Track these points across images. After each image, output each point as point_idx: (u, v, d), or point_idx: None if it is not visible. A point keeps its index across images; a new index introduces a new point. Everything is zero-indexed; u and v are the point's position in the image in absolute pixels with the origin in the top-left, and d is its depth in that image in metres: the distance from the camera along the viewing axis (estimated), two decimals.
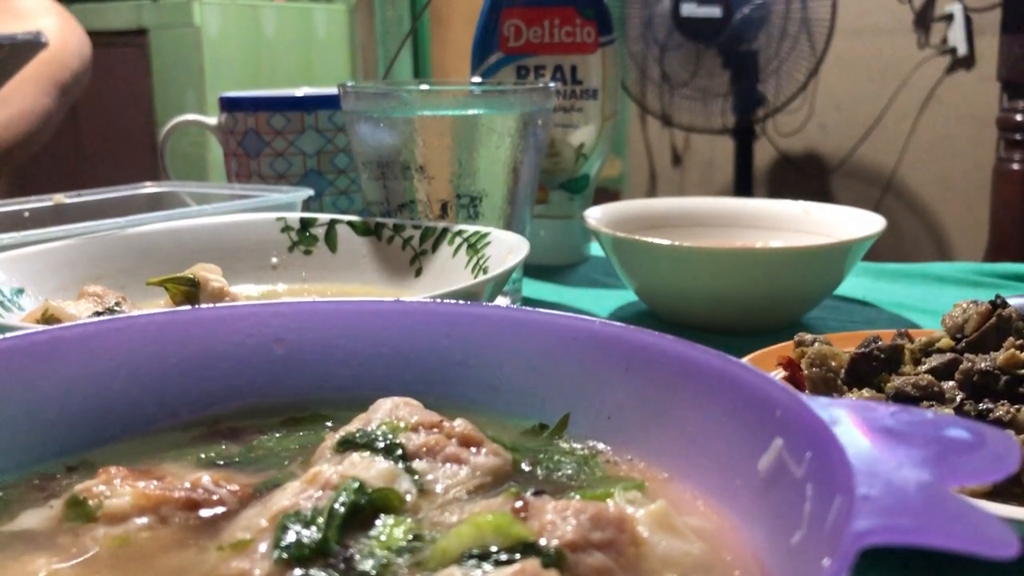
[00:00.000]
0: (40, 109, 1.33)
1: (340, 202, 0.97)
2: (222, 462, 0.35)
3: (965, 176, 2.85)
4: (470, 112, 0.74)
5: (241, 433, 0.38)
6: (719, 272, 0.73)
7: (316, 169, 0.95)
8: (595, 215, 0.86)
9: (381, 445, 0.32)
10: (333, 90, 0.89)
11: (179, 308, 0.54)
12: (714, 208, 0.93)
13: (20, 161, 1.36)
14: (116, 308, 0.60)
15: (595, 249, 1.03)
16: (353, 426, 0.34)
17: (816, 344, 0.56)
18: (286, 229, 0.76)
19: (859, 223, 0.81)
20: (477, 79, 0.95)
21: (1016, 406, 0.48)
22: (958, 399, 0.50)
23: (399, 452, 0.32)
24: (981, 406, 0.48)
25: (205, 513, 0.31)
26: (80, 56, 1.39)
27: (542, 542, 0.27)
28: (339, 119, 0.96)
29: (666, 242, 0.74)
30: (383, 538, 0.28)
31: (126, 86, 2.74)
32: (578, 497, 0.30)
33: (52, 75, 1.32)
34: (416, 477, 0.32)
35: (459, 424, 0.34)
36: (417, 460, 0.32)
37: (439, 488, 0.32)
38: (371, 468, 0.31)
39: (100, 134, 2.80)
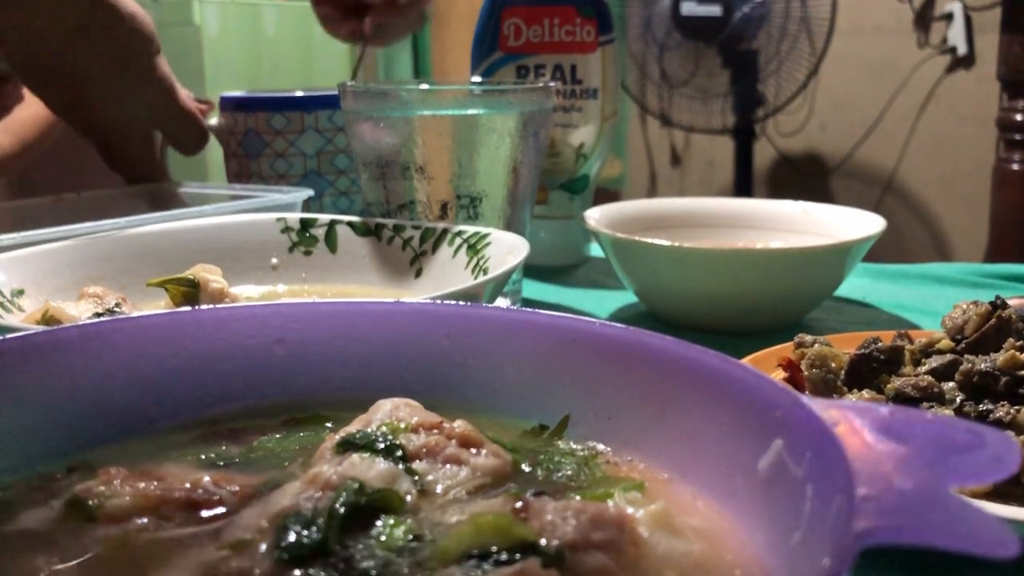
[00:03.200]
0: (47, 112, 1.34)
1: (340, 203, 0.97)
2: (222, 463, 0.35)
3: (965, 176, 2.85)
4: (470, 112, 0.74)
5: (241, 434, 0.38)
6: (719, 272, 0.73)
7: (316, 170, 0.95)
8: (595, 216, 0.86)
9: (381, 446, 0.32)
10: (333, 90, 0.89)
11: (179, 309, 0.54)
12: (714, 208, 0.93)
13: (33, 158, 1.38)
14: (116, 309, 0.60)
15: (595, 250, 1.03)
16: (353, 427, 0.34)
17: (816, 345, 0.56)
18: (286, 230, 0.76)
19: (859, 224, 0.81)
20: (477, 79, 0.95)
21: (1016, 407, 0.48)
22: (958, 400, 0.50)
23: (399, 453, 0.32)
24: (981, 407, 0.48)
25: (205, 513, 0.31)
26: None
27: (542, 542, 0.27)
28: (339, 119, 0.96)
29: (666, 243, 0.74)
30: (383, 538, 0.28)
31: None
32: (578, 497, 0.30)
33: None
34: (416, 478, 0.32)
35: (459, 425, 0.34)
36: (417, 461, 0.32)
37: (439, 489, 0.32)
38: (371, 469, 0.31)
39: None
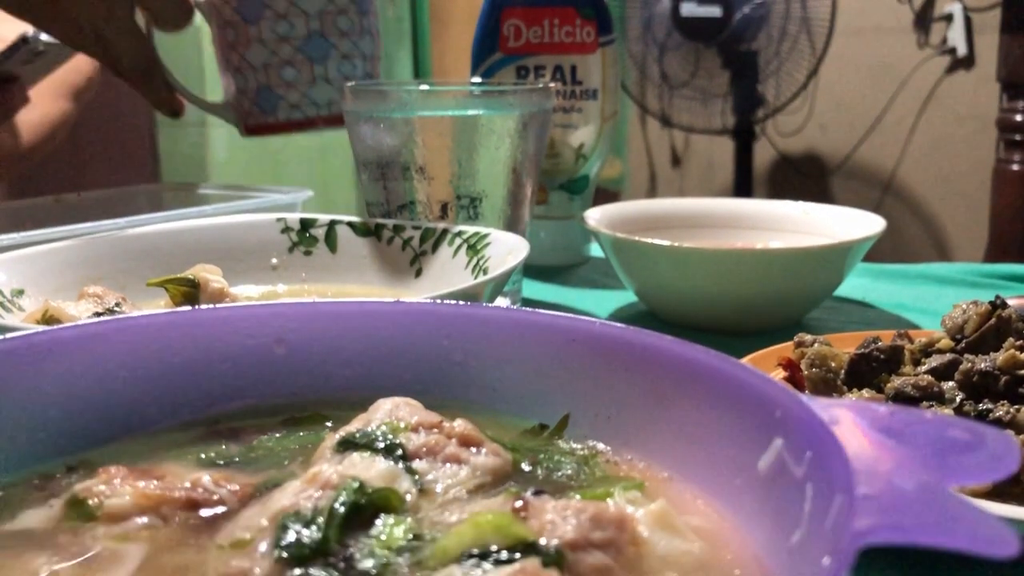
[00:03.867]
0: (58, 113, 1.35)
1: (344, 67, 0.94)
2: (222, 462, 0.35)
3: (965, 176, 2.84)
4: (470, 112, 0.74)
5: (241, 433, 0.38)
6: (719, 272, 0.73)
7: (319, 31, 0.92)
8: (595, 216, 0.86)
9: (381, 445, 0.32)
10: None
11: (179, 309, 0.54)
12: (714, 208, 0.93)
13: (35, 162, 1.38)
14: (116, 309, 0.60)
15: (595, 250, 1.03)
16: (353, 426, 0.34)
17: (816, 345, 0.56)
18: (286, 230, 0.76)
19: (859, 224, 0.81)
20: (477, 79, 0.95)
21: (1016, 406, 0.48)
22: (958, 399, 0.50)
23: (399, 452, 0.32)
24: (981, 406, 0.48)
25: (205, 513, 0.31)
26: (92, 62, 1.41)
27: (542, 542, 0.27)
28: None
29: (666, 243, 0.74)
30: (383, 538, 0.28)
31: (126, 86, 2.73)
32: (578, 497, 0.30)
33: (68, 80, 1.33)
34: (416, 477, 0.32)
35: (459, 424, 0.34)
36: (417, 460, 0.32)
37: (439, 488, 0.32)
38: (371, 468, 0.31)
39: (100, 134, 2.79)
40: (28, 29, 1.01)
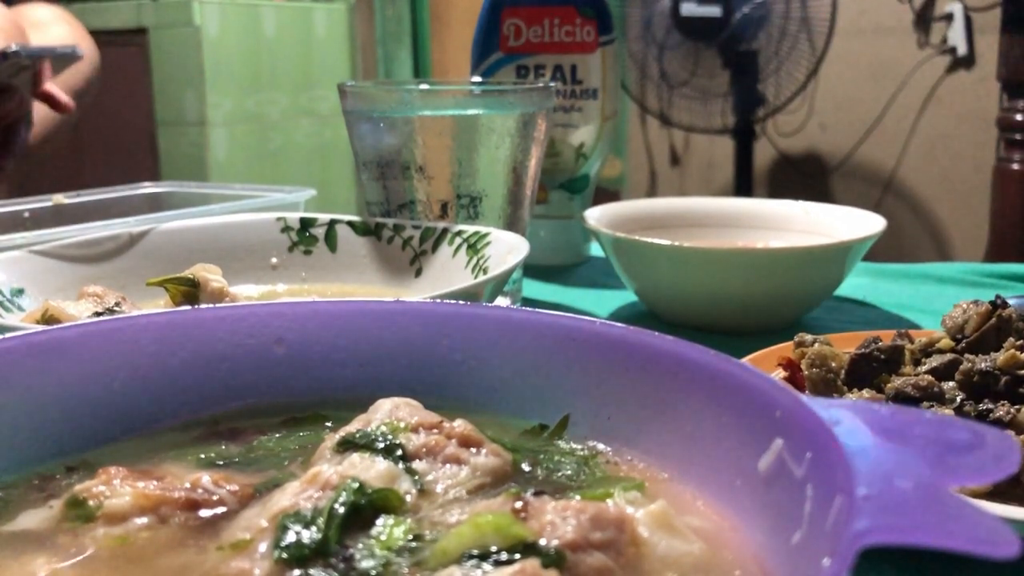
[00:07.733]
0: (57, 115, 1.35)
1: None
2: (222, 462, 0.35)
3: (965, 176, 2.84)
4: (470, 112, 0.74)
5: (241, 433, 0.38)
6: (719, 272, 0.73)
7: None
8: (595, 215, 0.86)
9: (381, 445, 0.32)
10: None
11: (179, 308, 0.54)
12: (714, 208, 0.93)
13: (35, 163, 1.38)
14: (116, 308, 0.60)
15: (595, 249, 1.03)
16: (353, 426, 0.34)
17: (816, 344, 0.56)
18: (286, 229, 0.76)
19: (859, 223, 0.81)
20: (477, 79, 0.95)
21: (1016, 406, 0.48)
22: (958, 400, 0.50)
23: (399, 452, 0.32)
24: (981, 406, 0.48)
25: (205, 513, 0.31)
26: (92, 63, 1.41)
27: (542, 542, 0.27)
28: None
29: (666, 242, 0.74)
30: (383, 538, 0.28)
31: (126, 86, 2.74)
32: (578, 497, 0.30)
33: (68, 82, 1.33)
34: (416, 477, 0.32)
35: (459, 424, 0.34)
36: (417, 460, 0.32)
37: (439, 488, 0.32)
38: (371, 468, 0.31)
39: (100, 134, 2.80)
40: (11, 43, 1.01)
